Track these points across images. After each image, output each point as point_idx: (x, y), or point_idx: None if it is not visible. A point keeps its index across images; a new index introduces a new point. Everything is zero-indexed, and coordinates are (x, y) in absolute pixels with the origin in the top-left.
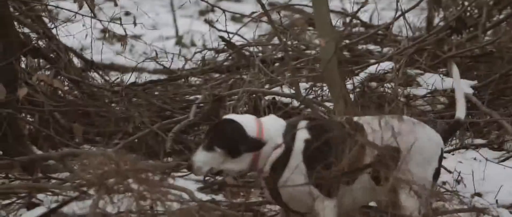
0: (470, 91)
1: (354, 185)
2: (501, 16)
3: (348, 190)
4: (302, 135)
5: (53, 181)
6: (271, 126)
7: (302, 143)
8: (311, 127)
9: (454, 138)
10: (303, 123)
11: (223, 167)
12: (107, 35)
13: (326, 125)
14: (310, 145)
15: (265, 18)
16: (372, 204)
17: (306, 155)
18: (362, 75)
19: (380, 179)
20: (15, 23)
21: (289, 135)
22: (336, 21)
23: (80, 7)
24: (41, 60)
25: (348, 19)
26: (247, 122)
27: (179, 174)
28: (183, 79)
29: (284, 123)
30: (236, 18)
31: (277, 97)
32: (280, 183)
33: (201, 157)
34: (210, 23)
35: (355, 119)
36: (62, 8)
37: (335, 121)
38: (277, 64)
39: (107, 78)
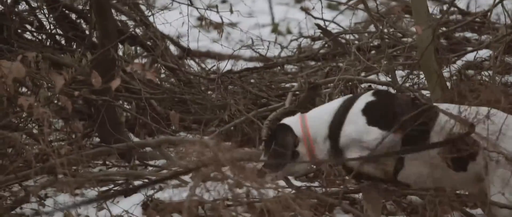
0: None
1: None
2: None
3: (410, 160)
4: (365, 98)
5: (150, 168)
6: (315, 117)
7: (362, 103)
8: (377, 92)
9: None
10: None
11: (292, 170)
12: (203, 22)
13: (396, 94)
14: (372, 106)
15: (361, 6)
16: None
17: (367, 113)
18: (459, 63)
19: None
20: (113, 11)
21: (347, 102)
22: (433, 8)
23: None
24: (138, 48)
25: (445, 7)
26: (294, 123)
27: None
28: (279, 67)
29: (338, 102)
30: (332, 5)
31: (373, 85)
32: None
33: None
34: (306, 10)
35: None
36: None
37: (407, 94)
38: (373, 52)
39: (203, 66)
